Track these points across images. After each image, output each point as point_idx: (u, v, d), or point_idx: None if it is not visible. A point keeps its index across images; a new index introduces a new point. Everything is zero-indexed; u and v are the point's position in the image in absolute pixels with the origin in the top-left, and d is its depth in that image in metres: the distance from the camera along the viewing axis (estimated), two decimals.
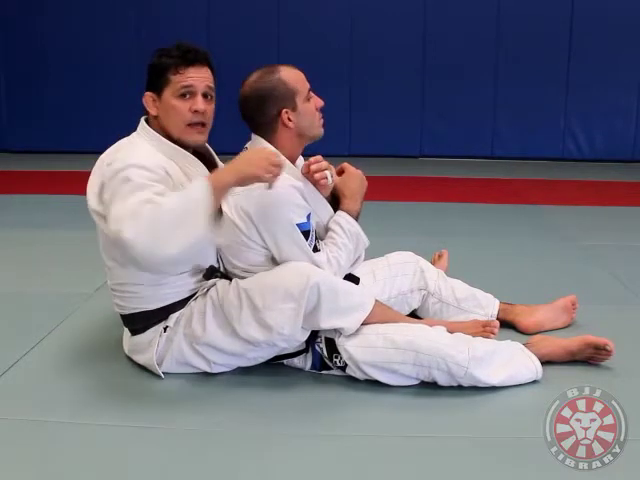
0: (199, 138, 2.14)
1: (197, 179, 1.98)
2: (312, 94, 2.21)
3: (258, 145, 2.18)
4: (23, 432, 1.85)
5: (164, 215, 1.87)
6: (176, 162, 2.09)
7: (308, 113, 2.19)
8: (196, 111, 2.10)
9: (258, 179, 1.96)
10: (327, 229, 2.26)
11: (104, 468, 1.70)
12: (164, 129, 2.12)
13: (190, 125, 2.11)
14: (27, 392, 2.08)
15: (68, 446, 1.79)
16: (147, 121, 2.16)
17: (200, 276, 2.15)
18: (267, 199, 2.06)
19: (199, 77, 2.11)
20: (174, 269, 2.06)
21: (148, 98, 2.13)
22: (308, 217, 2.14)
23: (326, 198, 2.29)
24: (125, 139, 2.15)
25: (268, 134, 2.18)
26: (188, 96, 2.10)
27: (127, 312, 2.17)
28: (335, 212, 2.28)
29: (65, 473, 1.69)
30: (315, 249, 2.13)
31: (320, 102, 2.23)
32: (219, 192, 1.93)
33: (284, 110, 2.15)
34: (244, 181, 1.97)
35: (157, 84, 2.11)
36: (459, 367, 2.02)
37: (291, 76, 2.17)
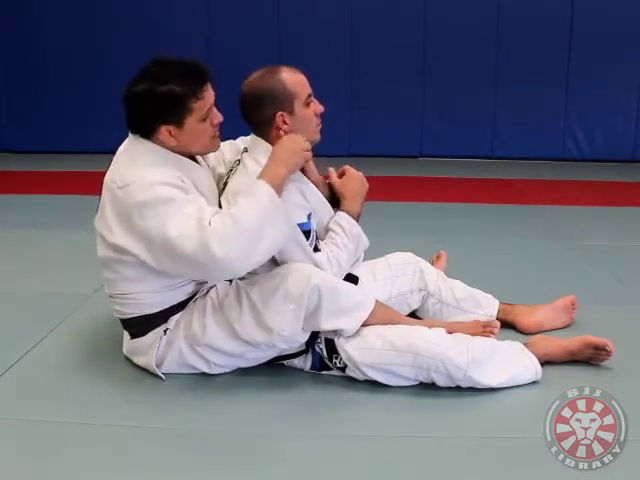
0: (219, 144, 2.17)
1: (255, 184, 1.98)
2: (312, 99, 2.20)
3: (258, 146, 2.17)
4: (23, 432, 1.86)
5: (246, 228, 1.91)
6: (181, 171, 2.05)
7: (305, 118, 2.17)
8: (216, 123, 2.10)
9: (300, 166, 2.11)
10: (327, 229, 2.25)
11: (104, 468, 1.70)
12: (183, 151, 2.08)
13: (213, 137, 2.11)
14: (27, 392, 2.08)
15: (68, 446, 1.79)
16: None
17: None
18: None
19: (211, 93, 2.07)
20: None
21: (165, 134, 2.02)
22: (309, 217, 2.14)
23: (326, 199, 2.29)
24: (124, 155, 2.09)
25: (264, 135, 2.18)
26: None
27: (127, 317, 2.16)
28: (335, 213, 2.28)
29: (65, 473, 1.69)
30: (316, 249, 2.13)
31: (320, 108, 2.21)
32: (278, 188, 1.99)
33: (279, 113, 2.14)
34: (294, 171, 2.08)
35: (176, 115, 2.01)
36: (458, 370, 2.02)
37: (292, 79, 2.16)
